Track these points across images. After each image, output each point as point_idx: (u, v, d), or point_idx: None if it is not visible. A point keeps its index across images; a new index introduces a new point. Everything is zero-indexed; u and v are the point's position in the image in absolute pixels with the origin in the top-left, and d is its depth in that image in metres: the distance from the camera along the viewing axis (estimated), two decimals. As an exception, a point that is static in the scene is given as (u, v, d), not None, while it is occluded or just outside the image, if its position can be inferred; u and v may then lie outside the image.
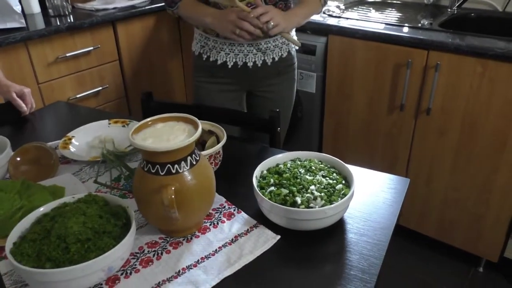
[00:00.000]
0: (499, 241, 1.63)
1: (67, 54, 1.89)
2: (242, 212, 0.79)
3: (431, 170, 1.68)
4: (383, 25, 1.70)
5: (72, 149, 1.01)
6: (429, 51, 1.52)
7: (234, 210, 0.79)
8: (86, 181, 0.90)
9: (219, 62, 1.33)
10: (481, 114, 1.48)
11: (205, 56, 1.36)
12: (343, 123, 1.86)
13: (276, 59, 1.35)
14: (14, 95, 1.17)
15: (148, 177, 0.66)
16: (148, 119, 0.71)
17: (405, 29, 1.64)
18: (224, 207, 0.80)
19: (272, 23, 1.15)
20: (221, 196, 0.83)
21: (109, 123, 1.12)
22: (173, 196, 0.63)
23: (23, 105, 1.18)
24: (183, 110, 0.84)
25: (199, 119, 0.71)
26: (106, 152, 0.91)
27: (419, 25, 1.67)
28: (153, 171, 0.66)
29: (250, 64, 1.32)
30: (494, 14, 1.85)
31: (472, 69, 1.44)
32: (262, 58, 1.33)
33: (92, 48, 1.99)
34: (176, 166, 0.65)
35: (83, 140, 1.05)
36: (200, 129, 0.67)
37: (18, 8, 1.77)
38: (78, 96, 1.98)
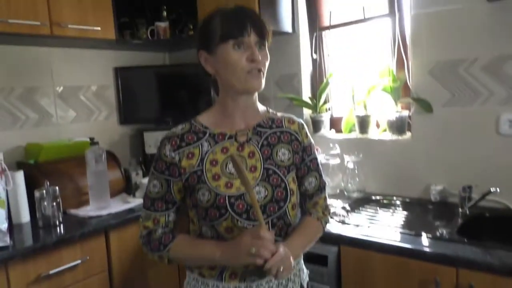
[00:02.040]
0: None
1: (51, 272, 1.70)
2: None
3: None
4: (399, 235, 1.58)
5: None
6: (458, 269, 1.37)
7: None
8: None
9: None
10: None
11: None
12: None
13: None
14: None
15: None
16: None
17: (425, 241, 1.51)
18: None
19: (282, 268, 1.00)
20: None
21: None
22: None
23: None
24: None
25: None
26: None
27: (438, 234, 1.56)
28: None
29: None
30: (508, 212, 1.77)
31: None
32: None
33: (80, 261, 1.80)
34: None
35: None
36: None
37: (4, 227, 1.65)
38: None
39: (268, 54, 1.12)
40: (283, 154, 1.17)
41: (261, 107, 1.23)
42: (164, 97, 2.72)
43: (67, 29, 2.04)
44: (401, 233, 1.60)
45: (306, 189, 1.23)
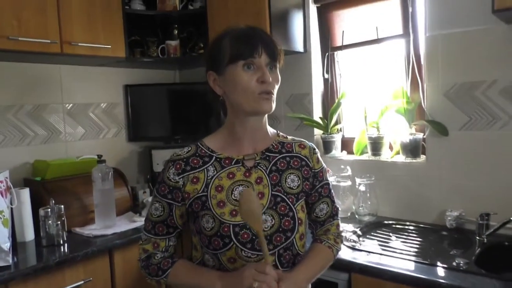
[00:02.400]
0: None
1: (52, 294, 1.66)
2: None
3: None
4: (413, 263, 1.51)
5: None
6: (477, 303, 1.29)
7: None
8: None
9: None
10: None
11: None
12: None
13: None
14: None
15: None
16: None
17: (441, 271, 1.44)
18: None
19: None
20: None
21: None
22: None
23: None
24: None
25: None
26: None
27: (455, 264, 1.48)
28: None
29: None
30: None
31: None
32: None
33: (82, 282, 1.76)
34: None
35: None
36: None
37: (6, 246, 1.61)
38: None
39: (279, 76, 1.08)
40: (292, 180, 1.12)
41: (271, 130, 1.19)
42: (174, 115, 2.70)
43: (77, 47, 2.04)
44: (415, 261, 1.53)
45: (317, 216, 1.18)
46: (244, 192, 1.02)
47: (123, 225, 2.09)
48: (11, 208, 1.77)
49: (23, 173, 2.16)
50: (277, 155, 1.14)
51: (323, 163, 1.19)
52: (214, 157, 1.11)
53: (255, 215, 0.98)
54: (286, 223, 1.06)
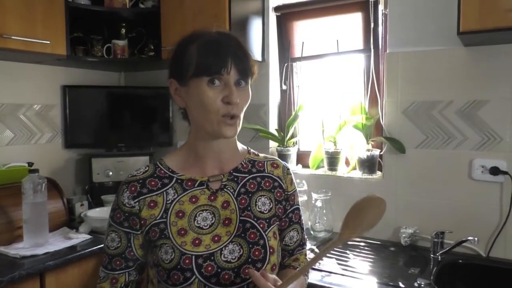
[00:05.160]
0: None
1: (-32, 327, 1.40)
2: None
3: None
4: (377, 285, 1.47)
5: None
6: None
7: None
8: None
9: None
10: None
11: None
12: None
13: None
14: None
15: None
16: None
17: (404, 292, 1.41)
18: None
19: None
20: None
21: None
22: None
23: None
24: None
25: None
26: None
27: (416, 284, 1.45)
28: None
29: None
30: (481, 259, 1.72)
31: None
32: None
33: (6, 312, 1.52)
34: None
35: None
36: None
37: None
38: None
39: (250, 92, 0.96)
40: (263, 204, 1.01)
41: (240, 147, 1.07)
42: (117, 121, 2.49)
43: (10, 41, 1.79)
44: (379, 283, 1.49)
45: (286, 244, 1.08)
46: (379, 200, 0.85)
47: (57, 242, 1.85)
48: None
49: None
50: (247, 175, 1.03)
51: (296, 185, 1.10)
52: (174, 179, 0.98)
53: (364, 225, 0.83)
54: (256, 253, 0.95)
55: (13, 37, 1.79)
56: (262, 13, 2.19)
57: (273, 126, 2.28)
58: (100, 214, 2.11)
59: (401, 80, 1.88)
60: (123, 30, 2.35)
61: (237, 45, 0.94)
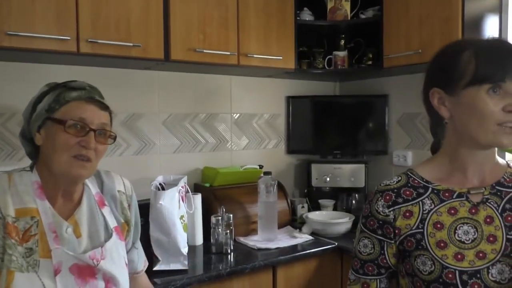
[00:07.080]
0: None
1: (222, 302, 1.67)
2: None
3: None
4: None
5: None
6: None
7: None
8: None
9: None
10: None
11: None
12: None
13: None
14: None
15: None
16: None
17: None
18: None
19: None
20: None
21: None
22: None
23: None
24: None
25: None
26: None
27: None
28: None
29: None
30: None
31: None
32: None
33: (247, 294, 1.75)
34: None
35: None
36: None
37: (185, 250, 1.68)
38: None
39: None
40: None
41: (499, 160, 0.98)
42: (332, 128, 2.59)
43: (252, 59, 2.06)
44: None
45: None
46: None
47: (284, 239, 2.04)
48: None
49: (193, 178, 2.27)
50: (511, 190, 0.93)
51: None
52: (430, 189, 0.95)
53: None
54: None
55: (254, 56, 2.06)
56: (500, 10, 1.96)
57: None
58: (320, 217, 2.23)
59: None
60: (342, 41, 2.44)
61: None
